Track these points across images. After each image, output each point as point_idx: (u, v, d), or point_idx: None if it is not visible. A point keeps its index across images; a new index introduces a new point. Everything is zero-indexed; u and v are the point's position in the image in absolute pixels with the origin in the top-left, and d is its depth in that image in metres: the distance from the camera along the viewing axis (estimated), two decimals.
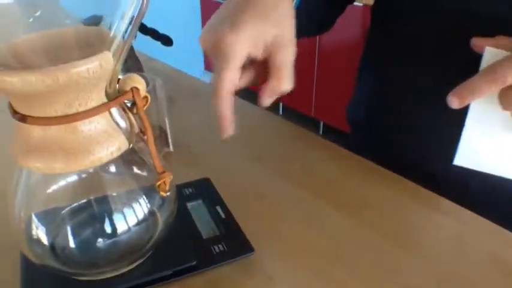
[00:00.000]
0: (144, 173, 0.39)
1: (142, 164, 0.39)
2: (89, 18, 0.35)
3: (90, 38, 0.34)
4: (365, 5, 2.05)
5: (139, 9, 0.31)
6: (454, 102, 0.40)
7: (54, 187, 0.36)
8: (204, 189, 0.51)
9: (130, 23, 0.31)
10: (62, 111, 0.30)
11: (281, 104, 2.92)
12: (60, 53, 0.34)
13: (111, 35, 0.32)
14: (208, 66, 3.35)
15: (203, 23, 3.14)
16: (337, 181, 0.55)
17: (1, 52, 0.31)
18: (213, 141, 0.63)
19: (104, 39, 0.32)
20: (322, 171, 0.57)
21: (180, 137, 0.62)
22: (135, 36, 0.33)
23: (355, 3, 2.06)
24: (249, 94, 0.77)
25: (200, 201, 0.49)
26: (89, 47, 0.33)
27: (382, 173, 0.56)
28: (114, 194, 0.38)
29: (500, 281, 0.40)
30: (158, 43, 0.82)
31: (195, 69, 3.31)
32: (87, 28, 0.35)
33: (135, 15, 0.31)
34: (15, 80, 0.27)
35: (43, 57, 0.34)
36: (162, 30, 0.80)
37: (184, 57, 3.05)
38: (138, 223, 0.38)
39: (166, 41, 0.84)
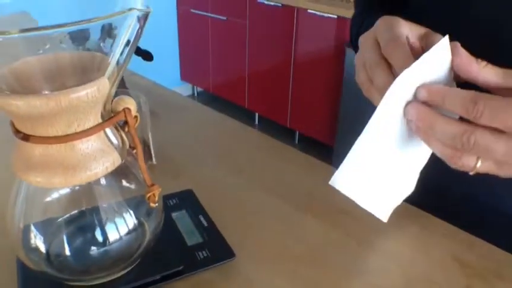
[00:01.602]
0: (133, 186, 0.42)
1: (131, 177, 0.42)
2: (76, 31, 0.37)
3: (86, 62, 0.37)
4: (339, 17, 2.12)
5: (135, 35, 0.34)
6: (421, 93, 0.38)
7: (50, 198, 0.39)
8: (187, 200, 0.54)
9: (125, 48, 0.35)
10: (62, 131, 0.33)
11: (257, 115, 2.97)
12: (56, 76, 0.37)
13: (108, 60, 0.35)
14: (185, 76, 3.38)
15: (179, 32, 3.18)
16: (312, 191, 0.59)
17: (4, 76, 0.34)
18: (195, 154, 0.66)
19: (99, 65, 0.35)
20: (298, 181, 0.61)
21: (162, 150, 0.65)
22: (129, 60, 0.36)
23: (330, 15, 2.13)
24: (226, 107, 0.80)
25: (184, 211, 0.52)
26: (84, 71, 0.37)
27: None
28: (106, 205, 0.41)
29: (464, 282, 0.45)
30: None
31: (172, 79, 3.33)
32: (82, 53, 0.38)
33: (131, 41, 0.34)
34: (20, 103, 0.30)
35: (41, 80, 0.37)
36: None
37: (162, 67, 3.08)
38: (128, 232, 0.41)
39: (147, 56, 0.88)
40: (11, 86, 0.34)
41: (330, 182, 0.42)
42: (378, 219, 0.51)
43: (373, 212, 0.46)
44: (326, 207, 0.56)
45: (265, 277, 0.45)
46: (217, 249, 0.46)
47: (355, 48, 0.55)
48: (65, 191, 0.40)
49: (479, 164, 0.37)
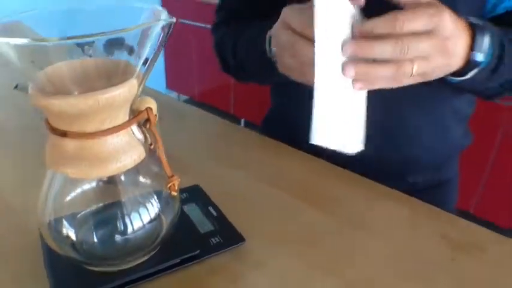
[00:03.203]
0: (153, 178, 0.47)
1: (151, 171, 0.46)
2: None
3: (110, 68, 0.42)
4: None
5: (159, 43, 0.39)
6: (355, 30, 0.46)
7: (80, 190, 0.44)
8: (196, 194, 0.58)
9: (151, 53, 0.39)
10: (96, 127, 0.37)
11: (243, 120, 3.02)
12: (83, 80, 0.41)
13: (132, 66, 0.40)
14: (170, 84, 3.41)
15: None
16: (307, 182, 0.64)
17: (41, 79, 0.38)
18: (199, 154, 0.71)
19: (124, 69, 0.40)
20: (294, 174, 0.66)
21: (169, 151, 0.69)
22: (154, 65, 0.41)
23: None
24: (212, 113, 0.86)
25: (194, 204, 0.56)
26: (108, 75, 0.41)
27: (340, 172, 0.66)
28: (130, 196, 0.45)
29: (449, 255, 0.50)
30: None
31: (158, 87, 3.36)
32: (106, 60, 0.42)
33: (156, 48, 0.39)
34: (64, 103, 0.35)
35: (70, 83, 0.41)
36: None
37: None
38: (150, 221, 0.45)
39: None
40: (46, 88, 0.39)
41: (311, 141, 0.50)
42: (368, 204, 0.57)
43: (349, 151, 0.51)
44: (320, 196, 0.61)
45: (273, 258, 0.49)
46: (228, 235, 0.51)
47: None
48: (93, 183, 0.44)
49: (415, 67, 0.46)
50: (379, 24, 0.44)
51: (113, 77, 0.40)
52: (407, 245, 0.52)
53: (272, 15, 0.74)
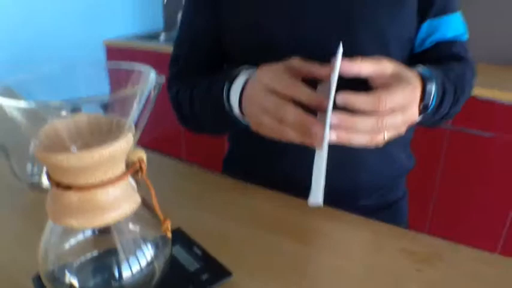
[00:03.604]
0: (144, 223, 0.50)
1: (142, 216, 0.50)
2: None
3: (102, 124, 0.46)
4: None
5: (149, 97, 0.44)
6: (339, 99, 0.51)
7: (77, 239, 0.46)
8: (179, 236, 0.62)
9: (141, 111, 0.44)
10: (99, 179, 0.41)
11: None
12: (77, 136, 0.45)
13: (124, 121, 0.44)
14: None
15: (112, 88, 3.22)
16: (276, 215, 0.69)
17: (41, 136, 0.42)
18: (177, 201, 0.74)
19: (117, 125, 0.44)
20: (266, 211, 0.71)
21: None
22: (146, 120, 0.45)
23: None
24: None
25: (178, 246, 0.60)
26: (101, 130, 0.45)
27: (303, 203, 0.72)
28: (124, 242, 0.48)
29: (414, 267, 0.56)
30: None
31: None
32: (98, 116, 0.46)
33: (146, 105, 0.44)
34: (71, 159, 0.39)
35: (66, 139, 0.44)
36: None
37: None
38: (145, 265, 0.48)
39: None
40: (44, 145, 0.42)
41: (310, 204, 0.56)
42: (333, 230, 0.63)
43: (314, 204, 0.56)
44: (294, 228, 0.66)
45: (262, 285, 0.53)
46: (215, 271, 0.55)
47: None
48: (90, 231, 0.47)
49: (386, 135, 0.54)
50: (366, 101, 0.52)
51: (105, 132, 0.45)
52: (375, 262, 0.58)
53: (224, 68, 0.81)
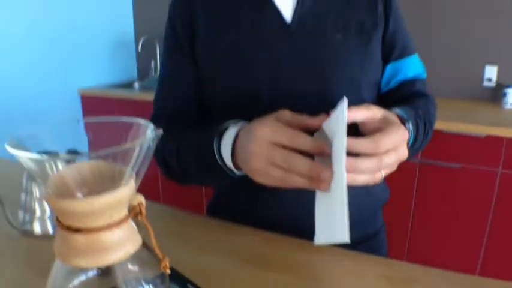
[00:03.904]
0: (143, 262, 0.54)
1: (140, 255, 0.54)
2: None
3: (104, 171, 0.50)
4: None
5: (148, 148, 0.48)
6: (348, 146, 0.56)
7: (81, 279, 0.50)
8: (174, 275, 0.65)
9: (140, 159, 0.48)
10: (106, 222, 0.45)
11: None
12: (81, 183, 0.49)
13: (125, 170, 0.49)
14: None
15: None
16: (264, 251, 0.73)
17: (48, 184, 0.46)
18: (168, 242, 0.77)
19: (119, 172, 0.49)
20: (251, 247, 0.75)
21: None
22: (145, 168, 0.50)
23: None
24: None
25: (173, 284, 0.63)
26: (103, 177, 0.49)
27: (290, 240, 0.77)
28: (127, 280, 0.52)
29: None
30: None
31: None
32: (100, 164, 0.50)
33: (145, 153, 0.48)
34: (81, 204, 0.43)
35: (72, 186, 0.48)
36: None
37: None
38: None
39: None
40: (52, 192, 0.46)
41: (315, 244, 0.60)
42: (324, 265, 0.67)
43: (339, 241, 0.58)
44: (281, 262, 0.70)
45: None
46: None
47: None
48: (93, 271, 0.50)
49: (383, 173, 0.61)
50: (367, 145, 0.58)
51: (107, 179, 0.49)
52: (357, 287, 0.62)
53: (208, 121, 0.84)
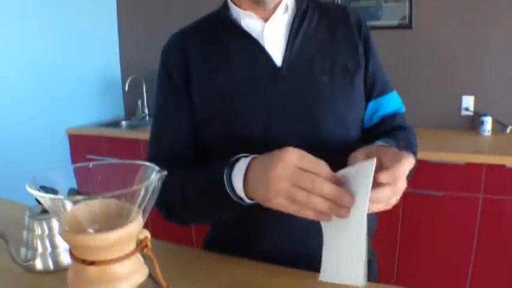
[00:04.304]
0: None
1: (147, 285, 0.57)
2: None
3: (112, 208, 0.54)
4: None
5: (154, 187, 0.53)
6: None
7: None
8: None
9: (147, 197, 0.53)
10: (117, 254, 0.49)
11: None
12: (91, 220, 0.53)
13: (132, 207, 0.52)
14: None
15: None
16: (263, 283, 0.77)
17: (62, 220, 0.50)
18: (168, 275, 0.81)
19: (127, 210, 0.53)
20: (252, 278, 0.78)
21: None
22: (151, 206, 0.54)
23: None
24: None
25: None
26: (110, 214, 0.53)
27: (289, 271, 0.80)
28: None
29: None
30: None
31: None
32: (109, 201, 0.54)
33: (152, 193, 0.52)
34: (97, 238, 0.47)
35: (84, 222, 0.52)
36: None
37: None
38: None
39: None
40: (65, 227, 0.50)
41: (320, 279, 0.63)
42: None
43: (351, 283, 0.62)
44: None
45: None
46: None
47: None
48: None
49: (398, 198, 0.67)
50: (388, 177, 0.63)
51: (114, 215, 0.53)
52: None
53: (204, 159, 0.87)
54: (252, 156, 0.71)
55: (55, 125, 2.99)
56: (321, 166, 0.63)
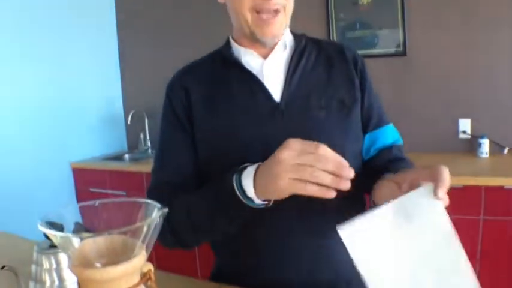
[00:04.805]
0: None
1: None
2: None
3: (116, 243, 0.57)
4: None
5: (156, 224, 0.56)
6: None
7: None
8: None
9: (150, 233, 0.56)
10: (123, 287, 0.52)
11: None
12: (98, 255, 0.56)
13: (136, 242, 0.56)
14: None
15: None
16: None
17: (71, 255, 0.53)
18: None
19: (131, 245, 0.56)
20: None
21: None
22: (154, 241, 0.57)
23: None
24: None
25: None
26: (115, 249, 0.56)
27: None
28: None
29: None
30: None
31: None
32: (114, 237, 0.57)
33: (154, 229, 0.56)
34: (103, 272, 0.50)
35: (92, 257, 0.55)
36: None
37: None
38: None
39: None
40: (74, 262, 0.53)
41: (339, 230, 0.61)
42: None
43: None
44: None
45: None
46: None
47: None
48: None
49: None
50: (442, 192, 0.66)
51: (119, 250, 0.56)
52: None
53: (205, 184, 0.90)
54: (258, 163, 0.75)
55: (59, 159, 3.03)
56: (321, 146, 0.67)
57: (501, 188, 1.89)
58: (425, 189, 0.64)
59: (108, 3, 3.38)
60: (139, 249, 0.55)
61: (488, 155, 2.31)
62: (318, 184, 0.66)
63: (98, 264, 0.54)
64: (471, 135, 2.43)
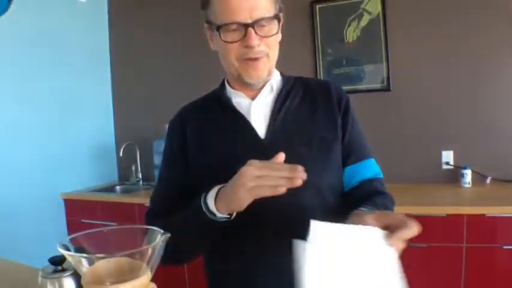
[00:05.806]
0: None
1: None
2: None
3: (122, 265, 0.63)
4: None
5: (159, 247, 0.62)
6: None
7: None
8: None
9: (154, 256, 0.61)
10: None
11: None
12: (106, 274, 0.61)
13: (141, 265, 0.61)
14: None
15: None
16: None
17: (85, 276, 0.58)
18: None
19: (138, 267, 0.61)
20: None
21: None
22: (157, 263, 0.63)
23: None
24: None
25: None
26: (121, 270, 0.62)
27: None
28: None
29: None
30: None
31: None
32: (120, 259, 0.63)
33: (156, 251, 0.61)
34: None
35: (102, 276, 0.60)
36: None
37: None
38: None
39: None
40: (87, 281, 0.59)
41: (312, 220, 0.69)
42: None
43: None
44: None
45: None
46: None
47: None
48: None
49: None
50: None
51: (126, 271, 0.61)
52: None
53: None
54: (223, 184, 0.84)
55: (50, 190, 3.05)
56: (275, 162, 0.78)
57: (483, 216, 1.96)
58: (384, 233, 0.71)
59: (103, 40, 3.48)
60: (145, 270, 0.61)
61: (470, 185, 2.39)
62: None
63: (107, 283, 0.59)
64: (454, 166, 2.52)
